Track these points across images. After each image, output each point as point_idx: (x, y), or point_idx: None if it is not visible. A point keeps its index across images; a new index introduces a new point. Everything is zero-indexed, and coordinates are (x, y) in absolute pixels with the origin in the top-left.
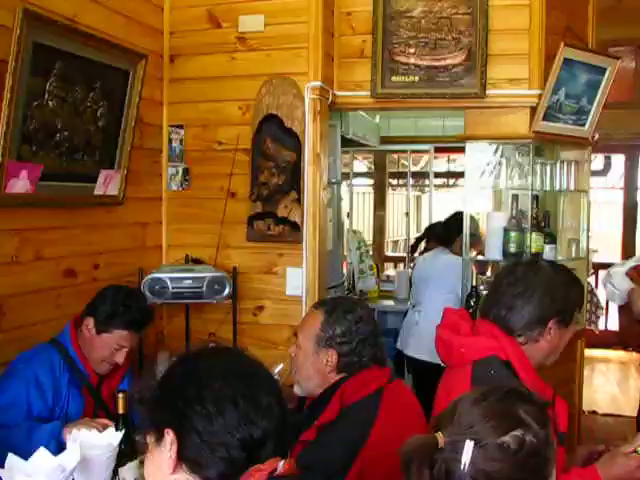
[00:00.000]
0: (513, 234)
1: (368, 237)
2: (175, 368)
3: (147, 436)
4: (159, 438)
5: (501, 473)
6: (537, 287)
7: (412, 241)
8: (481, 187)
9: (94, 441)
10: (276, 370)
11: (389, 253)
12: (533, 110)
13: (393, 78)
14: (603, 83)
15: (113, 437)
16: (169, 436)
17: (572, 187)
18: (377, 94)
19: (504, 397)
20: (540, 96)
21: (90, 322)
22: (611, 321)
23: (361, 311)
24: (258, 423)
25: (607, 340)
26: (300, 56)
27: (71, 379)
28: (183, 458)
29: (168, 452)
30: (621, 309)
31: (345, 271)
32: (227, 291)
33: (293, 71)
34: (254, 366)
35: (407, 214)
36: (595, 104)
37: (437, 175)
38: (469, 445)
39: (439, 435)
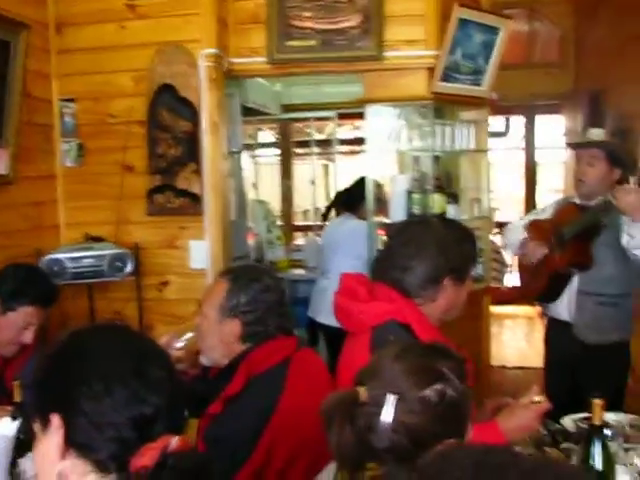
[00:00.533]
0: (416, 196)
1: (276, 208)
2: (59, 348)
3: (33, 424)
4: (45, 424)
5: (421, 425)
6: (428, 246)
7: (323, 210)
8: (383, 151)
9: None
10: (184, 338)
11: (298, 222)
12: (431, 71)
13: (289, 43)
14: (497, 43)
15: (7, 428)
16: (55, 421)
17: (472, 147)
18: (273, 60)
19: (424, 353)
20: (437, 57)
21: None
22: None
23: (268, 280)
24: (148, 400)
25: (514, 296)
26: (192, 22)
27: None
28: (71, 443)
29: (54, 438)
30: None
31: (251, 242)
32: (129, 268)
33: (186, 38)
34: (142, 341)
35: (313, 182)
36: (490, 63)
37: (343, 142)
38: (390, 399)
39: (361, 390)
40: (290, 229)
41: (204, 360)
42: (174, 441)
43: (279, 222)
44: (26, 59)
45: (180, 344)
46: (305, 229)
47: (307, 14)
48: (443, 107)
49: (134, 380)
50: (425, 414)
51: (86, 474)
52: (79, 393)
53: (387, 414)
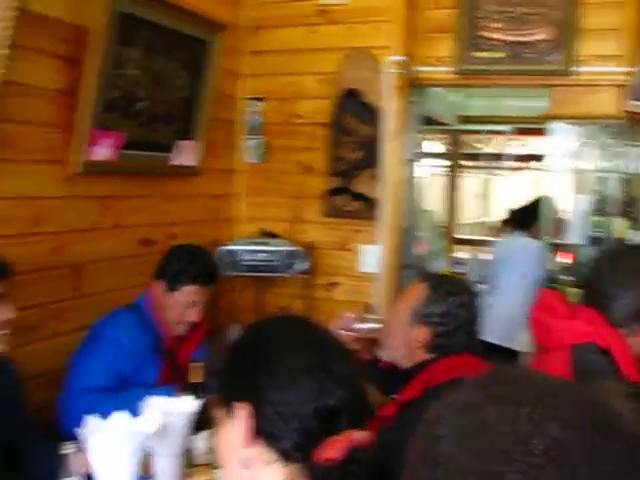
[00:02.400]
0: (597, 218)
1: (439, 218)
2: (245, 338)
3: (217, 409)
4: (229, 411)
5: None
6: None
7: (490, 224)
8: (563, 169)
9: (171, 408)
10: (367, 326)
11: (459, 235)
12: (623, 89)
13: (477, 54)
14: None
15: (189, 405)
16: (243, 410)
17: None
18: (459, 70)
19: None
20: (631, 74)
21: (160, 284)
22: None
23: (466, 296)
24: (334, 393)
25: None
26: (381, 30)
27: (150, 344)
28: (257, 431)
29: (241, 426)
30: None
31: (420, 251)
32: (301, 266)
33: (374, 45)
34: (326, 334)
35: (480, 196)
36: None
37: (514, 158)
38: None
39: None
40: (451, 241)
41: (384, 354)
42: (360, 435)
43: (442, 233)
44: (220, 58)
45: (361, 327)
46: (467, 242)
47: (497, 25)
48: (634, 126)
49: (320, 372)
50: None
51: (271, 462)
52: (266, 383)
53: None
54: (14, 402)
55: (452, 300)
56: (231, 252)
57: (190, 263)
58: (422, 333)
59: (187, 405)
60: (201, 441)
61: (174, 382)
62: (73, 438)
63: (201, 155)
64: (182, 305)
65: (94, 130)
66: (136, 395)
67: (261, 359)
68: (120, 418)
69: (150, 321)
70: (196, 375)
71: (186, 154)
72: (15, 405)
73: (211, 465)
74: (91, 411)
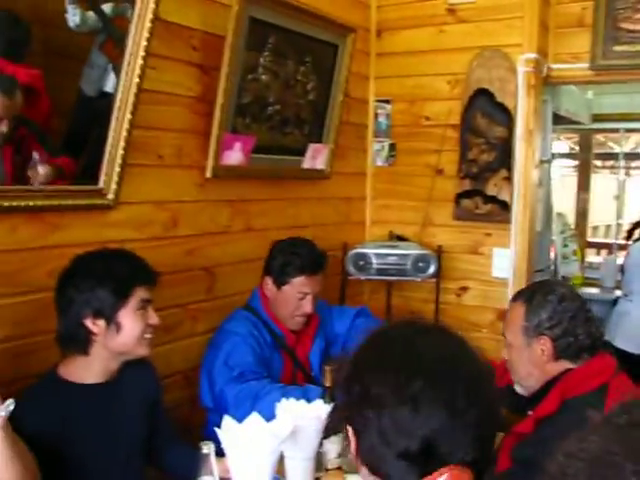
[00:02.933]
0: None
1: (570, 221)
2: (369, 350)
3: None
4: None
5: None
6: None
7: (626, 226)
8: None
9: (303, 412)
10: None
11: (592, 239)
12: None
13: (616, 48)
14: None
15: (321, 409)
16: (352, 431)
17: None
18: (596, 66)
19: None
20: None
21: (269, 281)
22: None
23: (562, 289)
24: (463, 415)
25: None
26: (513, 27)
27: (269, 341)
28: (360, 455)
29: (354, 444)
30: None
31: (552, 255)
32: (432, 270)
33: (505, 43)
34: (462, 347)
35: (617, 197)
36: None
37: None
38: None
39: None
40: (584, 245)
41: (520, 391)
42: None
43: (574, 236)
44: (349, 61)
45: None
46: (600, 246)
47: (639, 16)
48: None
49: (450, 406)
50: None
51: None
52: (386, 401)
53: None
54: (154, 403)
55: (552, 299)
56: (361, 255)
57: (294, 255)
58: (542, 345)
59: (318, 409)
60: (332, 445)
61: (297, 379)
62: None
63: (331, 158)
64: (294, 298)
65: (226, 135)
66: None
67: (388, 377)
68: (256, 420)
69: (265, 319)
70: (330, 379)
71: (316, 157)
72: (155, 406)
73: (342, 469)
74: (251, 399)
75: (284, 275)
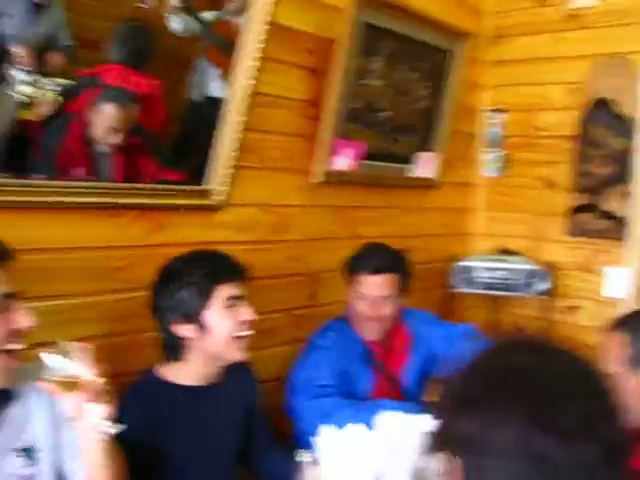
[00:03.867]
0: None
1: None
2: (487, 366)
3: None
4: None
5: None
6: None
7: None
8: None
9: (404, 424)
10: None
11: None
12: None
13: None
14: None
15: (425, 423)
16: (455, 463)
17: None
18: None
19: None
20: None
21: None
22: None
23: None
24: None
25: None
26: (638, 33)
27: (360, 355)
28: None
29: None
30: None
31: None
32: (542, 286)
33: (629, 50)
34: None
35: None
36: None
37: None
38: None
39: None
40: None
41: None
42: None
43: None
44: (461, 68)
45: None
46: None
47: None
48: None
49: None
50: None
51: None
52: (499, 432)
53: None
54: (252, 408)
55: None
56: (467, 268)
57: (362, 255)
58: None
59: (422, 423)
60: (433, 463)
61: (389, 395)
62: (307, 444)
63: (440, 168)
64: (358, 300)
65: (336, 140)
66: (369, 408)
67: (512, 423)
68: (355, 430)
69: (354, 331)
70: (432, 392)
71: (425, 166)
72: (253, 411)
73: None
74: (321, 416)
75: (353, 274)
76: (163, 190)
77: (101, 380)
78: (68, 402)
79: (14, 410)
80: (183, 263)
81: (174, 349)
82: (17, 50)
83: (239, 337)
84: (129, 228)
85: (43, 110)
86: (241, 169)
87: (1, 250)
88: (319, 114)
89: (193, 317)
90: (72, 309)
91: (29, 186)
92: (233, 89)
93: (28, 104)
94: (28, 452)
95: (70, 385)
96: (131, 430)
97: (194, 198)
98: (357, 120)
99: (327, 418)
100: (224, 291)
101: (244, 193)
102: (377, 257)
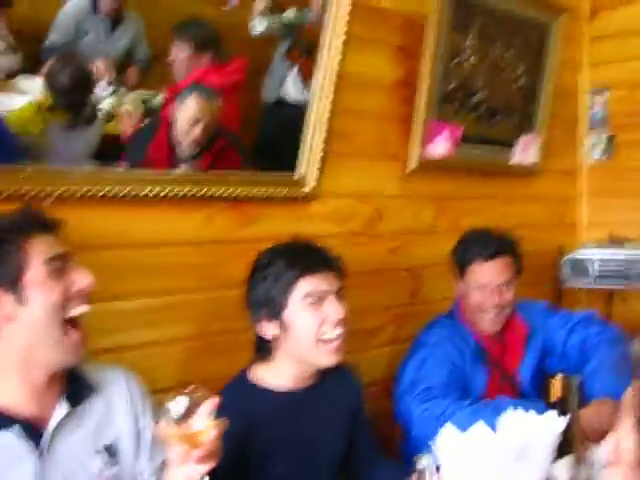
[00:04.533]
0: None
1: None
2: None
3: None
4: None
5: None
6: None
7: None
8: None
9: (533, 424)
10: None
11: None
12: None
13: None
14: None
15: (556, 423)
16: None
17: None
18: None
19: None
20: None
21: (458, 279)
22: None
23: None
24: None
25: None
26: None
27: (471, 353)
28: None
29: None
30: None
31: None
32: None
33: None
34: None
35: None
36: None
37: None
38: None
39: None
40: None
41: None
42: None
43: None
44: (559, 45)
45: None
46: None
47: None
48: None
49: None
50: None
51: None
52: None
53: None
54: (355, 414)
55: None
56: (578, 260)
57: (472, 242)
58: None
59: (552, 424)
60: (563, 469)
61: (504, 393)
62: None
63: (541, 153)
64: (476, 291)
65: (431, 123)
66: (489, 408)
67: None
68: (481, 431)
69: (465, 327)
70: (562, 388)
71: (526, 151)
72: (356, 417)
73: None
74: (435, 419)
75: (464, 264)
76: (253, 179)
77: (217, 439)
78: (177, 453)
79: (96, 404)
80: (269, 254)
81: (263, 349)
82: (98, 65)
83: (326, 339)
84: (218, 221)
85: (127, 123)
86: (332, 156)
87: (50, 220)
88: (412, 96)
89: (276, 314)
90: (161, 308)
91: (113, 175)
92: (320, 71)
93: (112, 117)
94: (110, 450)
95: (189, 441)
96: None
97: (286, 187)
98: (452, 102)
99: (441, 421)
100: (308, 285)
101: (336, 182)
102: (490, 242)
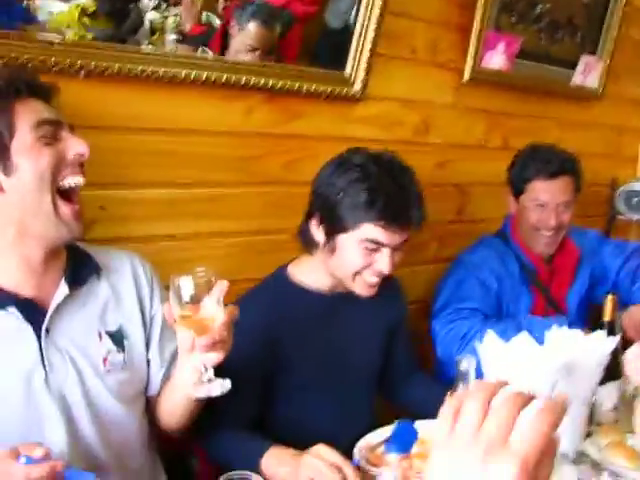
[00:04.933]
0: None
1: None
2: None
3: None
4: None
5: None
6: None
7: None
8: None
9: (581, 342)
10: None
11: None
12: None
13: None
14: None
15: (605, 343)
16: None
17: None
18: None
19: None
20: None
21: (511, 198)
22: None
23: None
24: None
25: None
26: None
27: (519, 274)
28: None
29: None
30: None
31: None
32: None
33: None
34: None
35: None
36: None
37: None
38: None
39: None
40: None
41: None
42: None
43: None
44: None
45: None
46: None
47: None
48: None
49: None
50: None
51: None
52: None
53: None
54: (395, 327)
55: None
56: (635, 192)
57: (535, 158)
58: None
59: (601, 344)
60: (607, 394)
61: (549, 314)
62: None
63: (605, 77)
64: (534, 209)
65: (489, 33)
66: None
67: None
68: (525, 340)
69: (514, 247)
70: (611, 311)
71: (588, 73)
72: (396, 330)
73: (618, 426)
74: (457, 340)
75: (522, 182)
76: (298, 72)
77: (226, 328)
78: (184, 338)
79: (101, 287)
80: (360, 171)
81: (305, 240)
82: None
83: (364, 279)
84: (258, 113)
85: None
86: (381, 57)
87: (42, 84)
88: (471, 2)
89: (331, 230)
90: (191, 201)
91: (146, 54)
92: None
93: (156, 31)
94: (115, 336)
95: (197, 326)
96: (249, 332)
97: (331, 84)
98: (512, 11)
99: (465, 341)
100: (373, 232)
101: (385, 85)
102: (553, 159)
